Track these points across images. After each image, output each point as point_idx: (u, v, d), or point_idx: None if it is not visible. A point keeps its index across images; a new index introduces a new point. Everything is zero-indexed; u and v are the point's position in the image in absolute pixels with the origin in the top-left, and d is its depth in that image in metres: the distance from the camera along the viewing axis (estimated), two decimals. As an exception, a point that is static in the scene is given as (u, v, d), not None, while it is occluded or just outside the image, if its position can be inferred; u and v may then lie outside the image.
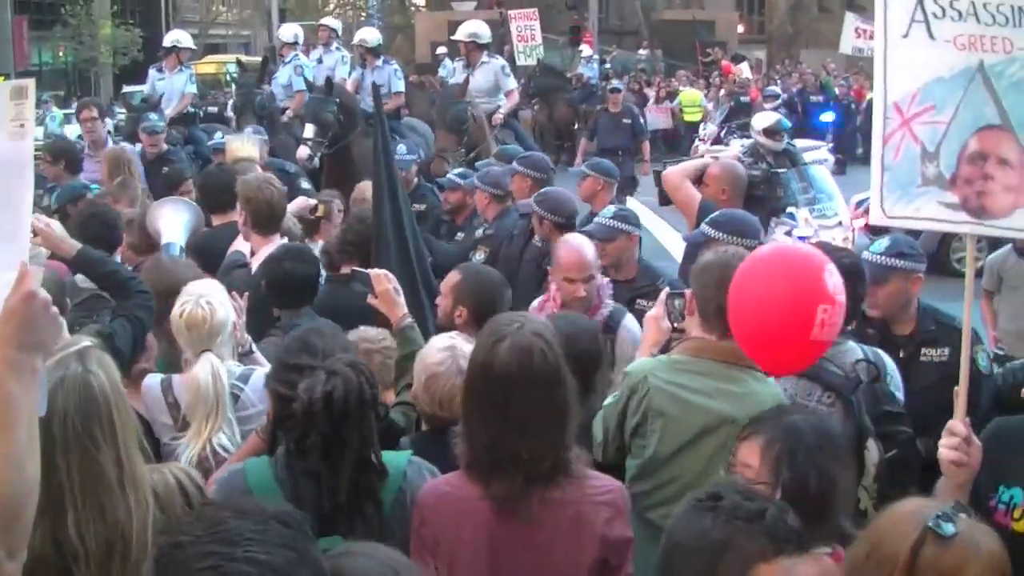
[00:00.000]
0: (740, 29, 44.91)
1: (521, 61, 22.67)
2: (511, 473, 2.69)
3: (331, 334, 3.08)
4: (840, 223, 9.67)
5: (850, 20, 28.02)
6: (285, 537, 1.71)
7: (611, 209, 5.54)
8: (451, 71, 12.26)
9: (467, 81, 10.54)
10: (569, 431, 2.80)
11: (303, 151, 9.28)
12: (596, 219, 5.54)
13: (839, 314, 3.10)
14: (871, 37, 27.08)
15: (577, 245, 4.63)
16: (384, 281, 3.91)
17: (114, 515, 2.26)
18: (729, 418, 3.17)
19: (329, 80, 10.17)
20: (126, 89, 32.82)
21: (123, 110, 12.41)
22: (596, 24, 30.81)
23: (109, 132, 11.39)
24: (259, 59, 13.77)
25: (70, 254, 4.13)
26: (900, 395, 3.79)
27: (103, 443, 2.29)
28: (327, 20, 14.20)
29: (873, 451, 3.41)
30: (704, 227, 4.73)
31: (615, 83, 18.07)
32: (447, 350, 3.36)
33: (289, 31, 13.41)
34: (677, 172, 6.13)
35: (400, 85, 12.09)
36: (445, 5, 40.66)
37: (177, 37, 13.12)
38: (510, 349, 2.71)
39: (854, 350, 3.76)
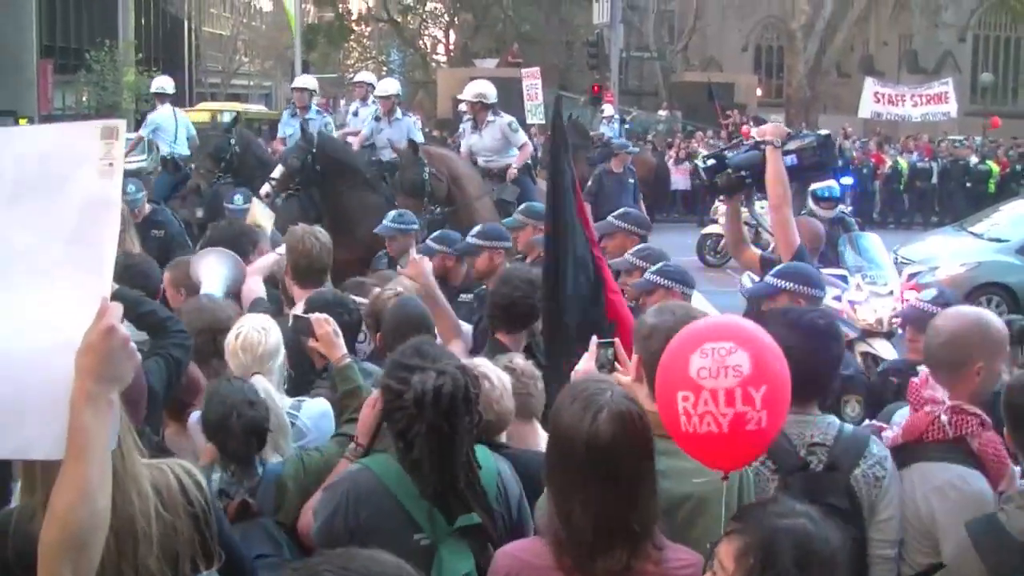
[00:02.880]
0: (759, 92, 45.16)
1: (528, 120, 22.84)
2: (618, 548, 2.59)
3: (442, 346, 3.32)
4: (891, 292, 9.49)
5: (869, 85, 28.22)
6: None
7: (658, 266, 5.40)
8: (462, 131, 12.19)
9: (412, 146, 10.26)
10: (657, 497, 2.73)
11: (265, 187, 9.82)
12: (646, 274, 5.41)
13: (714, 403, 2.61)
14: (890, 101, 27.41)
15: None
16: (324, 324, 4.07)
17: (124, 510, 2.20)
18: (683, 496, 2.94)
19: (304, 132, 10.56)
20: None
21: None
22: (617, 84, 30.94)
23: None
24: (260, 109, 13.97)
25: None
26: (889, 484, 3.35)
27: None
28: (363, 76, 14.01)
29: None
30: (770, 279, 4.60)
31: (615, 142, 17.37)
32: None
33: (309, 81, 13.36)
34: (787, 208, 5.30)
35: (419, 136, 12.21)
36: (467, 62, 41.14)
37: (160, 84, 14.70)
38: (611, 419, 2.60)
39: (822, 426, 3.35)
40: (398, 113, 12.26)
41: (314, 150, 10.01)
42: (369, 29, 52.72)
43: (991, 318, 3.72)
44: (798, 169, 5.19)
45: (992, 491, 3.32)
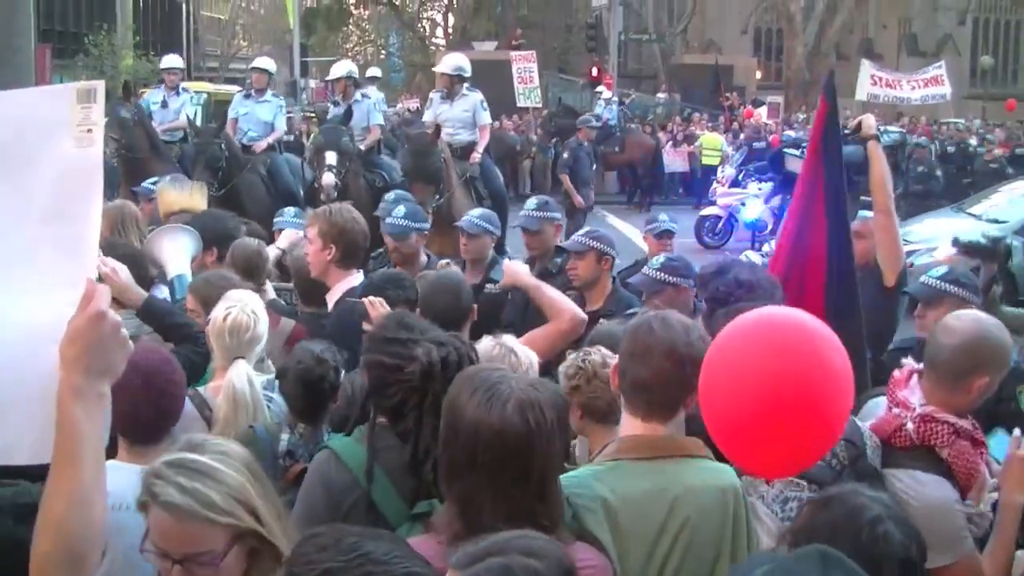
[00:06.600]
0: (758, 75, 45.09)
1: (521, 103, 22.83)
2: None
3: (418, 317, 3.28)
4: None
5: (866, 67, 28.12)
6: (417, 555, 1.76)
7: (659, 260, 5.19)
8: (430, 102, 11.72)
9: (438, 129, 10.01)
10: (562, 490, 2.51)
11: (329, 177, 9.49)
12: (644, 271, 5.21)
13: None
14: (887, 84, 27.32)
15: None
16: (379, 308, 4.04)
17: None
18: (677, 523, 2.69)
19: (346, 112, 10.69)
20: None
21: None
22: (616, 67, 30.90)
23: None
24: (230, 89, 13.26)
25: (137, 303, 4.11)
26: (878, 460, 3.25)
27: None
28: (341, 69, 12.45)
29: None
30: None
31: (587, 117, 19.25)
32: (497, 346, 3.58)
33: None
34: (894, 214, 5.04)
35: (379, 119, 12.07)
36: (466, 45, 41.00)
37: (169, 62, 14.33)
38: (519, 408, 2.36)
39: None
40: (357, 95, 11.84)
41: (345, 126, 10.11)
42: (368, 12, 52.54)
43: (1005, 332, 3.37)
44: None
45: (953, 498, 3.15)
